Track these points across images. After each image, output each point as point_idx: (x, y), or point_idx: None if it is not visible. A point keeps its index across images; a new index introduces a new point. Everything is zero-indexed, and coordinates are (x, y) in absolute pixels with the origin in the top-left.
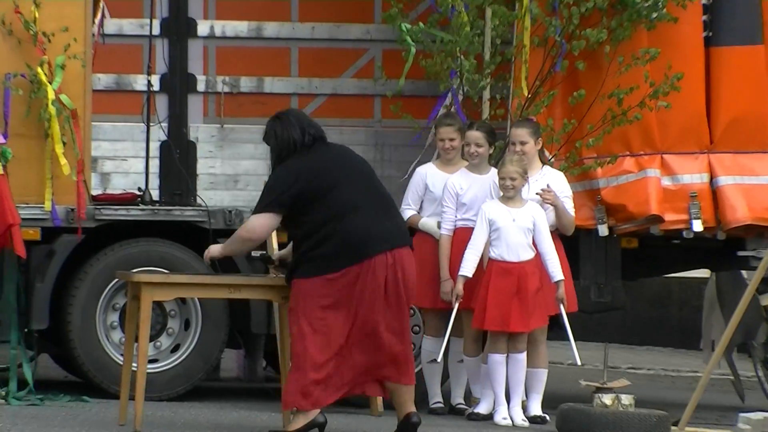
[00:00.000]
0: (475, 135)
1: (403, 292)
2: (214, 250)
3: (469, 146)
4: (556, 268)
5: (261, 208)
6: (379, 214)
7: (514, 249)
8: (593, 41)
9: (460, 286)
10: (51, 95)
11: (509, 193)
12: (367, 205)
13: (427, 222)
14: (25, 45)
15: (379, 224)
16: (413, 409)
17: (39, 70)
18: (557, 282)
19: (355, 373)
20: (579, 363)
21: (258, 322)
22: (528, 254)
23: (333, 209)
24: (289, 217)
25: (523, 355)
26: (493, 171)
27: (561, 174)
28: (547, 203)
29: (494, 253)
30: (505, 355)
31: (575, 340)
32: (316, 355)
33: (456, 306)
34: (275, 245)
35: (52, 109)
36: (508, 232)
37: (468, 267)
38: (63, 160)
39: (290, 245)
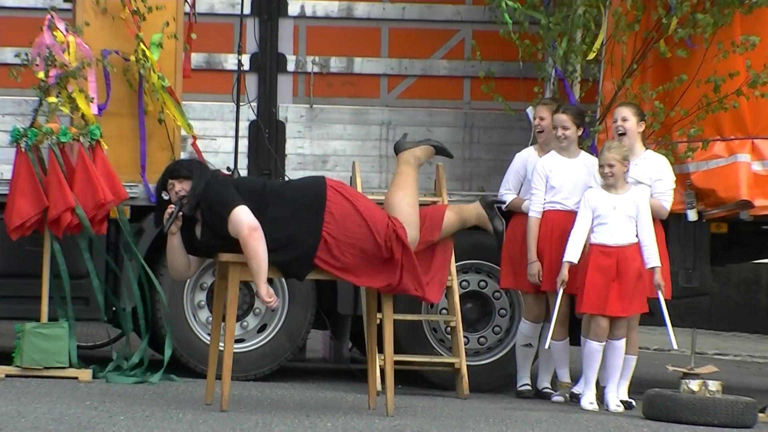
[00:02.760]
0: (561, 118)
1: None
2: (265, 288)
3: (556, 129)
4: (651, 254)
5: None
6: None
7: (616, 235)
8: (705, 25)
9: (565, 271)
10: (155, 71)
11: (608, 181)
12: None
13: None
14: (119, 23)
15: None
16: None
17: (142, 46)
18: (652, 268)
19: None
20: (675, 347)
21: (345, 303)
22: (629, 239)
23: None
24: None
25: (622, 342)
26: (583, 154)
27: (663, 159)
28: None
29: (595, 239)
30: (603, 342)
31: (660, 325)
32: None
33: (561, 291)
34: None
35: (158, 82)
36: (610, 220)
37: (572, 253)
38: (182, 121)
39: None
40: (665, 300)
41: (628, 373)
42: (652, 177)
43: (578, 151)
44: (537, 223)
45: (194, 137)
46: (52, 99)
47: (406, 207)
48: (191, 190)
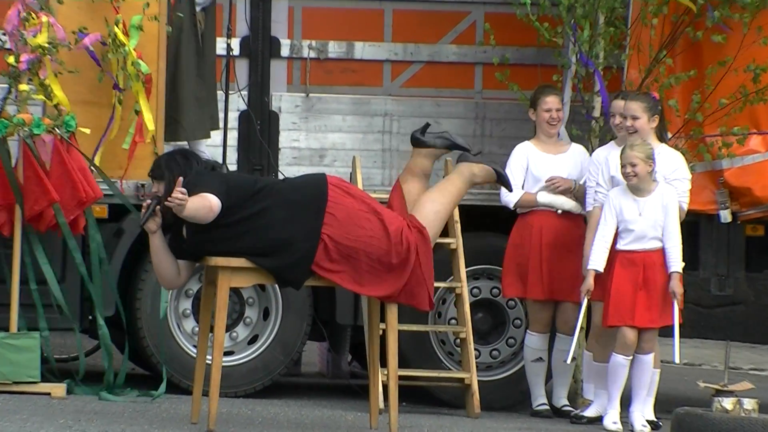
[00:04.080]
0: (631, 106)
1: None
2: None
3: (625, 119)
4: (674, 258)
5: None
6: None
7: (642, 240)
8: (743, 7)
9: (590, 280)
10: (132, 56)
11: (631, 182)
12: None
13: (548, 195)
14: (99, 4)
15: None
16: None
17: (116, 29)
18: (672, 273)
19: None
20: (677, 361)
21: (344, 311)
22: (656, 243)
23: None
24: None
25: (650, 357)
26: (664, 147)
27: (678, 155)
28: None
29: (620, 244)
30: (630, 357)
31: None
32: None
33: (585, 300)
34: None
35: (132, 70)
36: (635, 224)
37: (598, 260)
38: (151, 126)
39: None
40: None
41: (653, 389)
42: (668, 176)
43: (656, 142)
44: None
45: (148, 77)
46: (24, 87)
47: (431, 214)
48: (165, 192)
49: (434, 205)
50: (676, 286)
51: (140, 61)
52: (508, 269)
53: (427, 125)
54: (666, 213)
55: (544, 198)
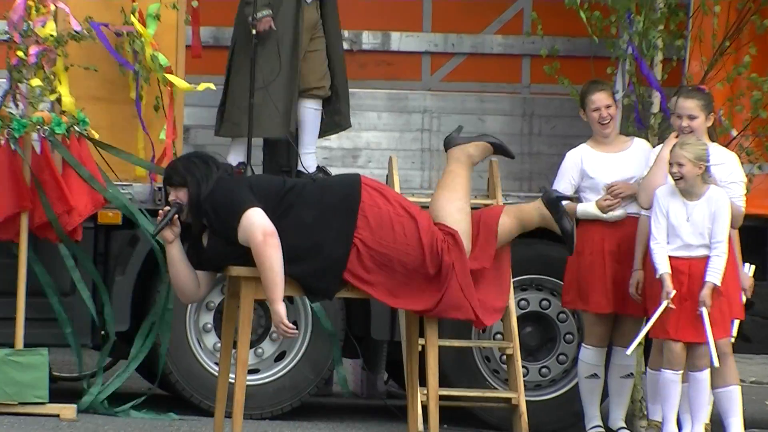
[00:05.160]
0: (686, 104)
1: None
2: (281, 310)
3: (680, 118)
4: (714, 268)
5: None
6: None
7: (689, 247)
8: None
9: (669, 282)
10: (149, 49)
11: (678, 184)
12: None
13: (587, 207)
14: None
15: None
16: None
17: (132, 18)
18: (706, 282)
19: None
20: (716, 364)
21: (380, 326)
22: (704, 251)
23: None
24: None
25: (703, 374)
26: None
27: (733, 156)
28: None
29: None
30: (679, 372)
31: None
32: None
33: (665, 305)
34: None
35: (151, 64)
36: (681, 229)
37: (664, 262)
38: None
39: None
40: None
41: (736, 407)
42: (723, 178)
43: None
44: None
45: (168, 69)
46: (37, 82)
47: (455, 213)
48: (189, 200)
49: (453, 204)
50: (707, 296)
51: (158, 54)
52: (569, 281)
53: (460, 128)
54: (714, 220)
55: (584, 209)
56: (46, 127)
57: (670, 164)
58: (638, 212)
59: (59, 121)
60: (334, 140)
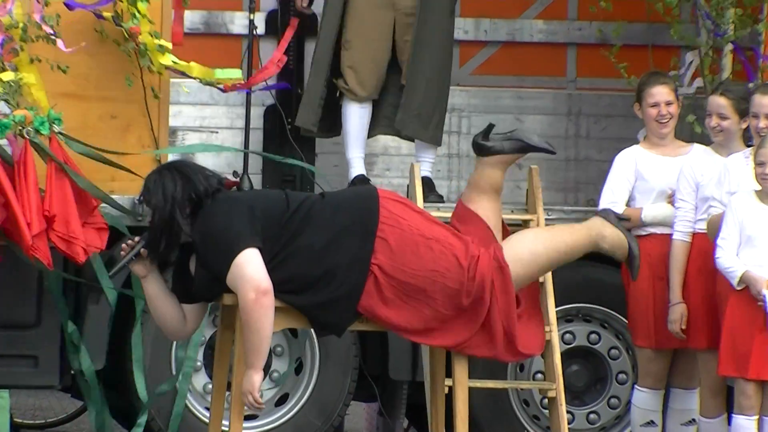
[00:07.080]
0: (718, 102)
1: None
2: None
3: (710, 117)
4: None
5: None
6: None
7: (765, 266)
8: None
9: (757, 276)
10: (145, 26)
11: (765, 186)
12: None
13: (657, 209)
14: None
15: None
16: None
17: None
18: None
19: None
20: None
21: (399, 364)
22: None
23: None
24: None
25: None
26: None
27: None
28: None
29: None
30: (754, 417)
31: None
32: None
33: None
34: None
35: (151, 41)
36: (762, 241)
37: (738, 262)
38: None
39: None
40: None
41: None
42: None
43: (742, 147)
44: (683, 249)
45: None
46: (9, 75)
47: (526, 254)
48: (151, 226)
49: (535, 245)
50: None
51: (159, 34)
52: (632, 312)
53: (491, 126)
54: None
55: (652, 212)
56: (29, 128)
57: (758, 164)
58: (668, 231)
59: (42, 120)
60: None
